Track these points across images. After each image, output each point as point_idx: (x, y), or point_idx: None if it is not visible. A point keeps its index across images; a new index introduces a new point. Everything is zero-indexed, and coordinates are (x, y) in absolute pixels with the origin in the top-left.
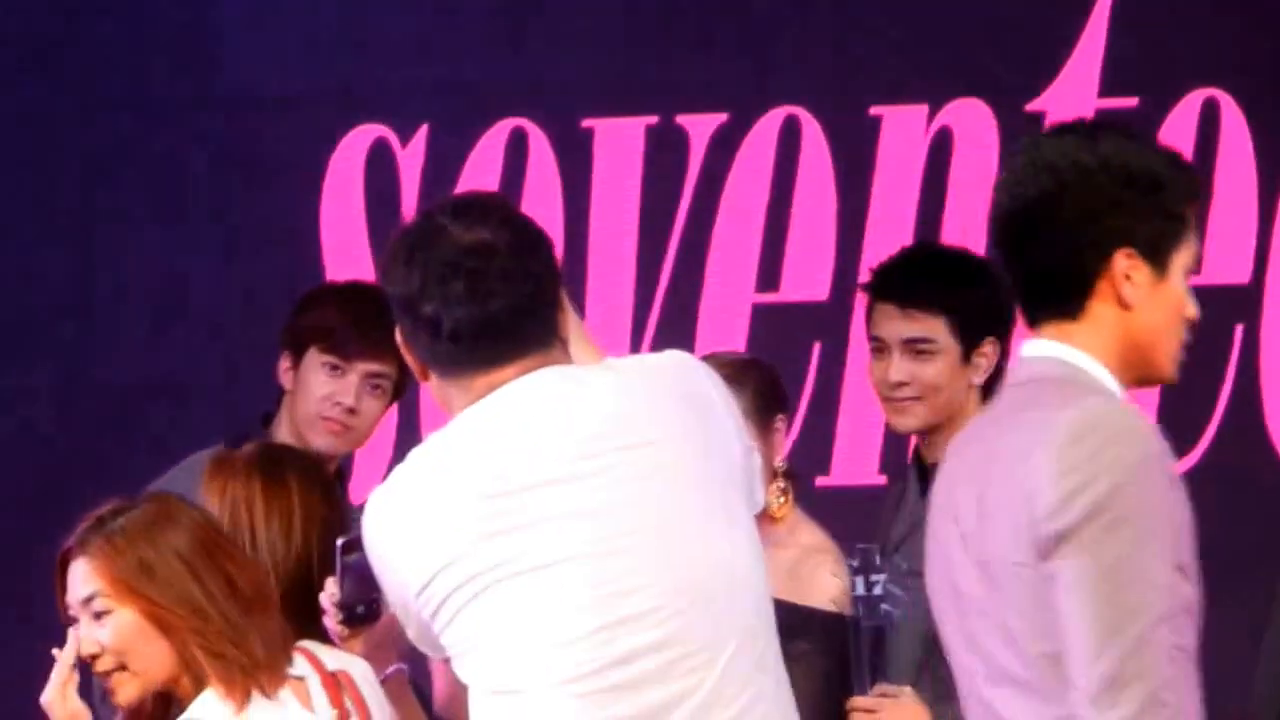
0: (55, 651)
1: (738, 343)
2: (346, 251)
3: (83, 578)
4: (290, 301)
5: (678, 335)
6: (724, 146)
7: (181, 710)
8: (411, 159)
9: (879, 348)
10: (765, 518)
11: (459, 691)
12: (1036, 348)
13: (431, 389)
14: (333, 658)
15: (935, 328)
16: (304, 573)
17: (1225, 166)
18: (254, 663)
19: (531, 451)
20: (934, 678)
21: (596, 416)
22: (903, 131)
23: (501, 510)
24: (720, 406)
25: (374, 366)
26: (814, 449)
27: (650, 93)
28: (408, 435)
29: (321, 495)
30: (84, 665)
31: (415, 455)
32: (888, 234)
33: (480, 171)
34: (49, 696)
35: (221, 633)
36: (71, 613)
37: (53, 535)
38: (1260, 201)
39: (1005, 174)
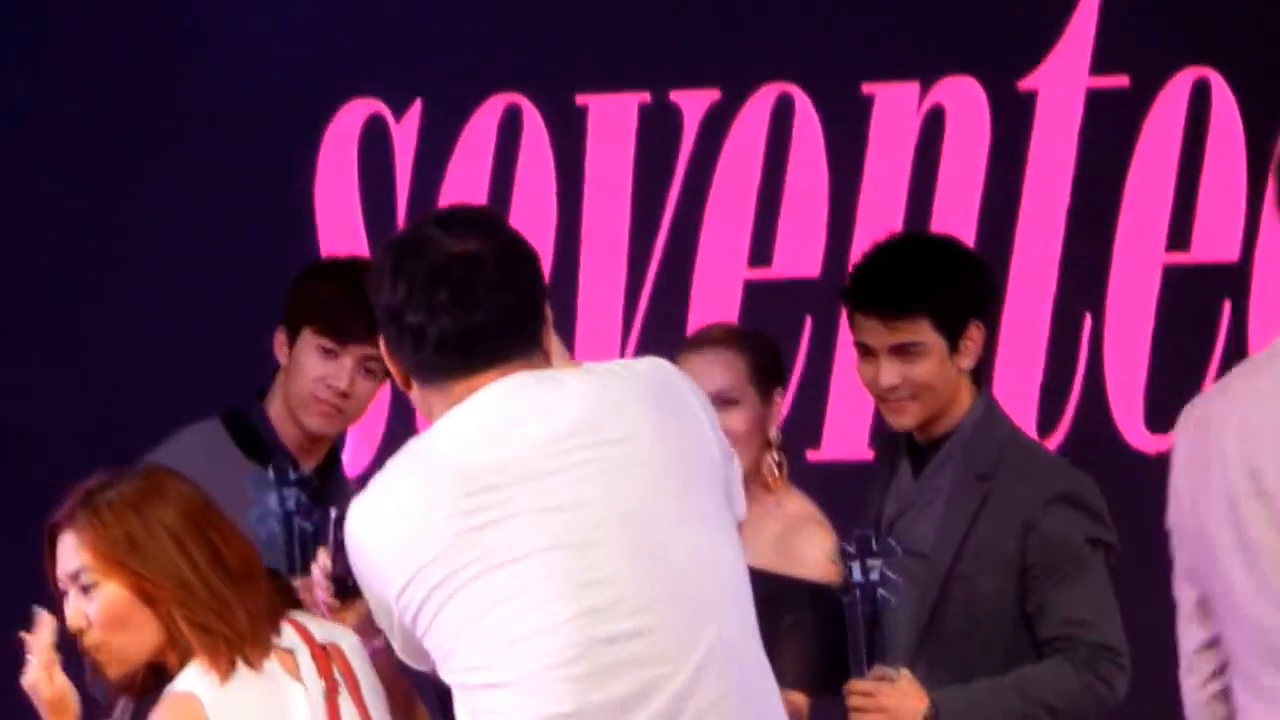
0: (25, 635)
1: (729, 318)
2: (340, 225)
3: (70, 552)
4: (284, 274)
5: (670, 311)
6: (717, 123)
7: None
8: (405, 134)
9: (866, 352)
10: (759, 487)
11: None
12: None
13: (414, 399)
14: (322, 630)
15: (920, 330)
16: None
17: (1215, 145)
18: (239, 635)
19: (505, 450)
20: (928, 660)
21: (570, 414)
22: (895, 109)
23: (475, 508)
24: (699, 412)
25: (368, 349)
26: (805, 423)
27: (643, 70)
28: (400, 408)
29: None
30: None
31: (393, 461)
32: (880, 211)
33: (474, 147)
34: (32, 678)
35: (207, 606)
36: (60, 586)
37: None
38: (1249, 180)
39: None
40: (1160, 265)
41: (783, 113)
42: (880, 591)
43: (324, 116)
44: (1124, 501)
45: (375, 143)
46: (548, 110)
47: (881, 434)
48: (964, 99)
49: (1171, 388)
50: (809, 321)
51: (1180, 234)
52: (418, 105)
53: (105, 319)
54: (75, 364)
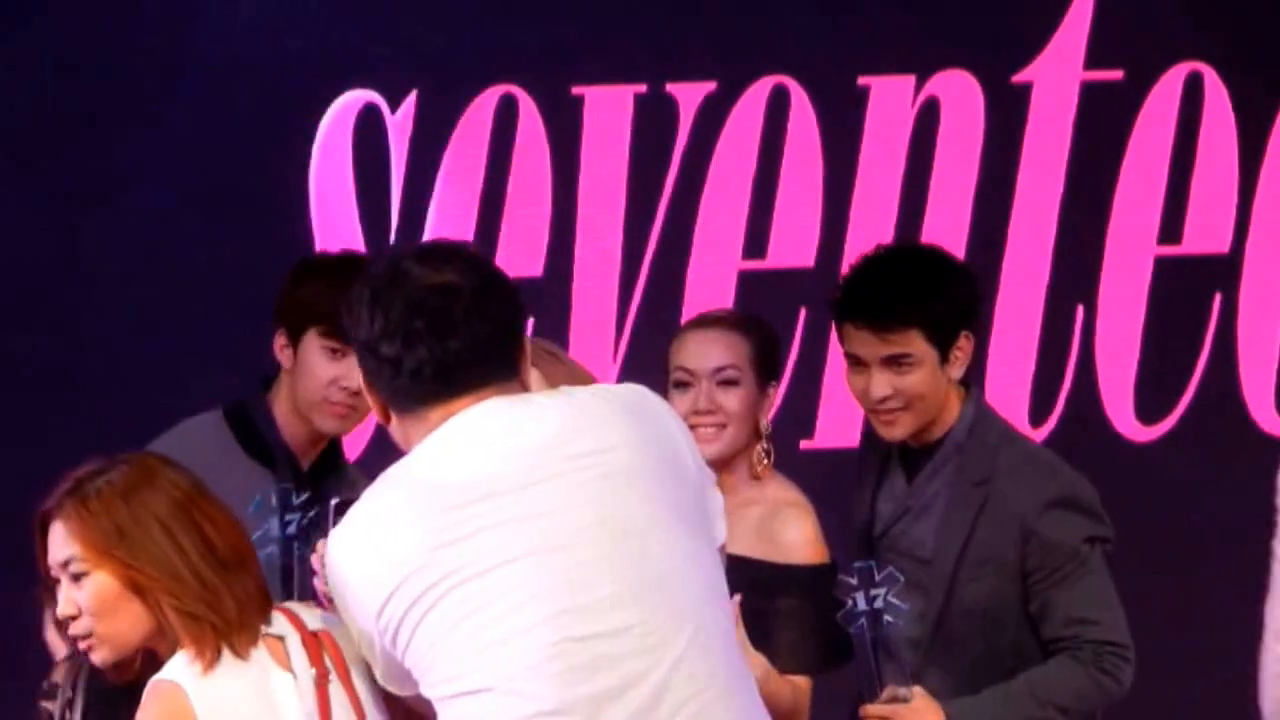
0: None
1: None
2: (336, 218)
3: (60, 541)
4: (280, 266)
5: (665, 302)
6: (713, 115)
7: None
8: (401, 125)
9: (856, 363)
10: (745, 474)
11: None
12: None
13: (393, 431)
14: (314, 618)
15: (912, 341)
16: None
17: (1208, 138)
18: (226, 623)
19: (480, 467)
20: (935, 666)
21: (546, 429)
22: (890, 102)
23: (451, 523)
24: (676, 434)
25: None
26: (799, 412)
27: (640, 61)
28: None
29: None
30: None
31: (371, 488)
32: (874, 203)
33: (470, 138)
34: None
35: (195, 594)
36: (53, 574)
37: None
38: (1241, 173)
39: None
40: (1152, 257)
41: (778, 105)
42: (886, 618)
43: (319, 108)
44: (1114, 491)
45: (371, 134)
46: (544, 101)
47: (863, 441)
48: (959, 92)
49: (1162, 379)
50: (803, 312)
51: (1172, 226)
52: (413, 96)
53: (99, 312)
54: (68, 358)
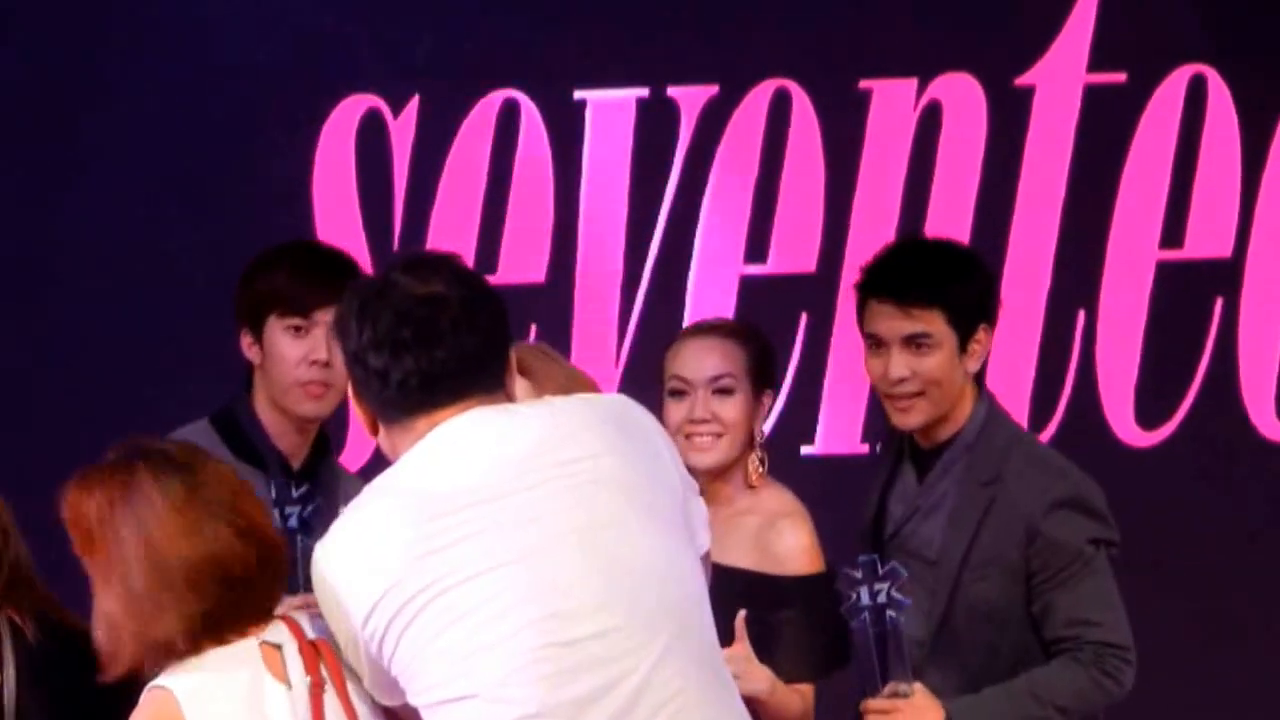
0: None
1: (725, 314)
2: (338, 221)
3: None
4: None
5: (667, 307)
6: (714, 119)
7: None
8: (403, 130)
9: (876, 345)
10: (741, 483)
11: None
12: None
13: (381, 443)
14: (314, 626)
15: (933, 321)
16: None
17: (1210, 142)
18: (164, 643)
19: (463, 475)
20: (938, 666)
21: (529, 438)
22: (892, 105)
23: (434, 532)
24: (659, 443)
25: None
26: (799, 418)
27: (641, 65)
28: None
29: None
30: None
31: (359, 496)
32: (876, 207)
33: (471, 143)
34: None
35: (141, 610)
36: None
37: (34, 511)
38: (1244, 177)
39: None
40: (1154, 262)
41: (780, 108)
42: (889, 613)
43: (321, 112)
44: (1113, 496)
45: (373, 138)
46: (545, 106)
47: (886, 431)
48: (961, 95)
49: (1162, 384)
50: (804, 318)
51: (1174, 230)
52: (415, 101)
53: (100, 316)
54: (67, 361)
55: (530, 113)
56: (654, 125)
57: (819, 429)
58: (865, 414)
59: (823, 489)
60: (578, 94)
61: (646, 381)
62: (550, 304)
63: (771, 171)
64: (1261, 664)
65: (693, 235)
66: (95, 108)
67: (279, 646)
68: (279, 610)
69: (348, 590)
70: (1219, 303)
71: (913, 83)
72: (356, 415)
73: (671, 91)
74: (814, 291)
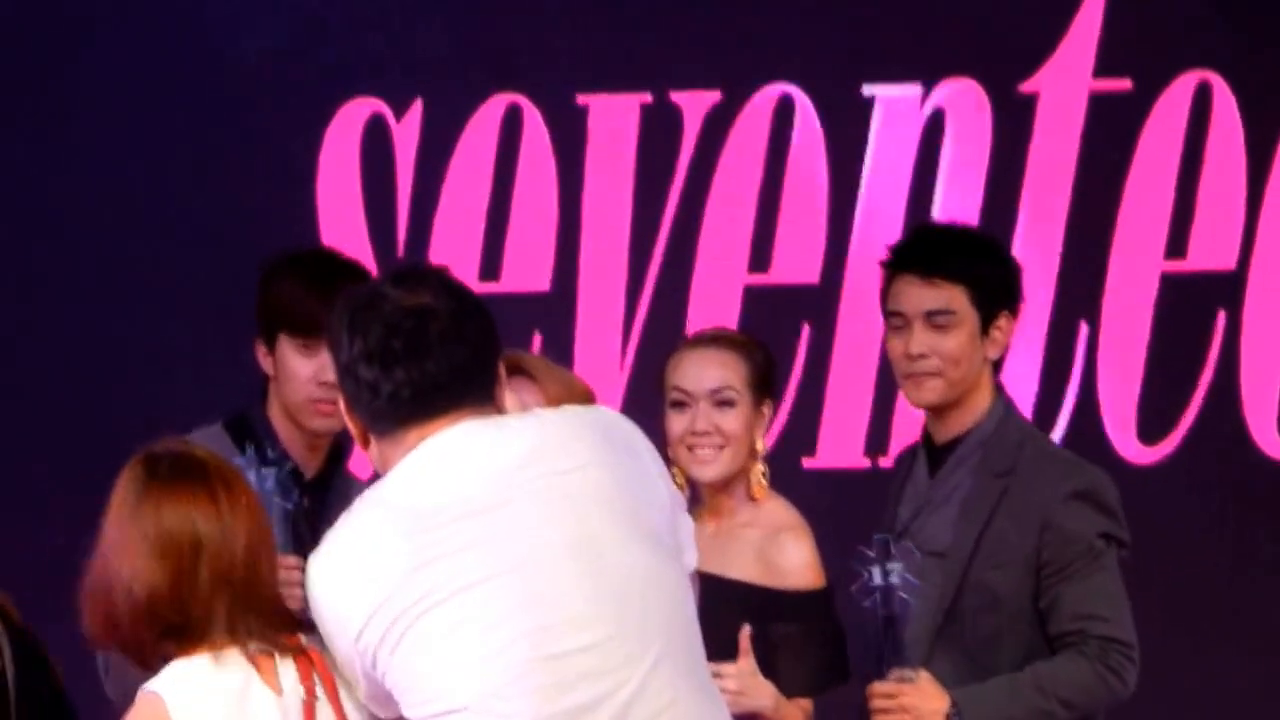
0: None
1: (729, 324)
2: (342, 224)
3: None
4: None
5: (670, 315)
6: (717, 124)
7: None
8: (406, 133)
9: (898, 323)
10: (744, 496)
11: None
12: None
13: (371, 457)
14: (307, 636)
15: (956, 298)
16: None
17: (1215, 150)
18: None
19: (453, 488)
20: (945, 657)
21: (517, 449)
22: (896, 111)
23: (425, 545)
24: (645, 456)
25: None
26: (801, 431)
27: (644, 70)
28: None
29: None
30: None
31: (349, 512)
32: (880, 213)
33: (474, 147)
34: None
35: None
36: None
37: (44, 518)
38: (1249, 186)
39: None
40: (1158, 273)
41: (784, 114)
42: (900, 594)
43: (325, 116)
44: None
45: (376, 142)
46: (548, 110)
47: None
48: (965, 101)
49: (1164, 400)
50: (807, 329)
51: (1178, 241)
52: (418, 105)
53: (106, 320)
54: (73, 364)
55: (533, 117)
56: (657, 130)
57: (820, 442)
58: (868, 426)
59: (824, 502)
60: (581, 99)
61: (651, 390)
62: (554, 312)
63: (775, 179)
64: (1264, 682)
65: (695, 244)
66: (97, 110)
67: (272, 654)
68: None
69: (341, 604)
70: (1222, 316)
71: (917, 88)
72: (348, 427)
73: (674, 97)
74: (817, 303)
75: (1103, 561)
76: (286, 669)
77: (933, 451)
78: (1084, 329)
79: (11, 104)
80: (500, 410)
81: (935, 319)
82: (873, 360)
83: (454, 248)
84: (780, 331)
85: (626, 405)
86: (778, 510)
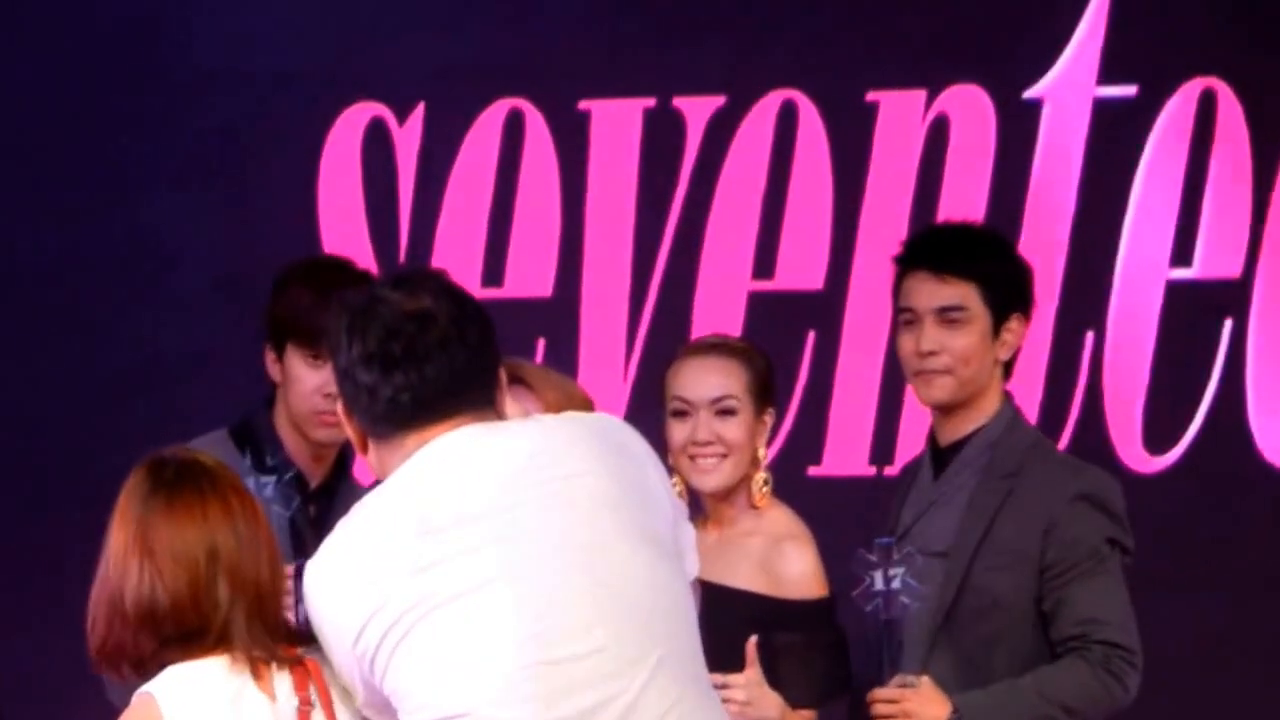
0: None
1: (733, 330)
2: (344, 229)
3: None
4: None
5: (674, 321)
6: (721, 130)
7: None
8: (408, 138)
9: (909, 320)
10: (745, 505)
11: None
12: None
13: (369, 462)
14: (307, 648)
15: (968, 295)
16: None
17: (1221, 156)
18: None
19: (454, 492)
20: (946, 660)
21: (518, 456)
22: (900, 117)
23: (425, 549)
24: (646, 463)
25: None
26: (806, 438)
27: (647, 75)
28: None
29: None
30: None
31: (348, 516)
32: (884, 219)
33: (477, 152)
34: None
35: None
36: None
37: (49, 522)
38: (1255, 194)
39: None
40: (1163, 281)
41: (787, 119)
42: (902, 599)
43: (327, 120)
44: None
45: (378, 147)
46: (551, 115)
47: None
48: (970, 107)
49: (1169, 409)
50: (811, 335)
51: (1184, 249)
52: (420, 109)
53: (107, 323)
54: (75, 368)
55: (536, 122)
56: (660, 136)
57: (825, 450)
58: (873, 434)
59: (829, 510)
60: (583, 104)
61: (654, 397)
62: (557, 318)
63: (778, 184)
64: (1271, 693)
65: (699, 250)
66: (97, 114)
67: (269, 662)
68: None
69: (339, 607)
70: (1228, 324)
71: (921, 94)
72: (347, 433)
73: (678, 102)
74: (821, 309)
75: (1107, 566)
76: (282, 678)
77: (938, 454)
78: (1089, 337)
79: (17, 104)
80: (502, 416)
81: (946, 315)
82: (878, 366)
83: (456, 253)
84: (785, 338)
85: (630, 412)
86: (780, 519)
